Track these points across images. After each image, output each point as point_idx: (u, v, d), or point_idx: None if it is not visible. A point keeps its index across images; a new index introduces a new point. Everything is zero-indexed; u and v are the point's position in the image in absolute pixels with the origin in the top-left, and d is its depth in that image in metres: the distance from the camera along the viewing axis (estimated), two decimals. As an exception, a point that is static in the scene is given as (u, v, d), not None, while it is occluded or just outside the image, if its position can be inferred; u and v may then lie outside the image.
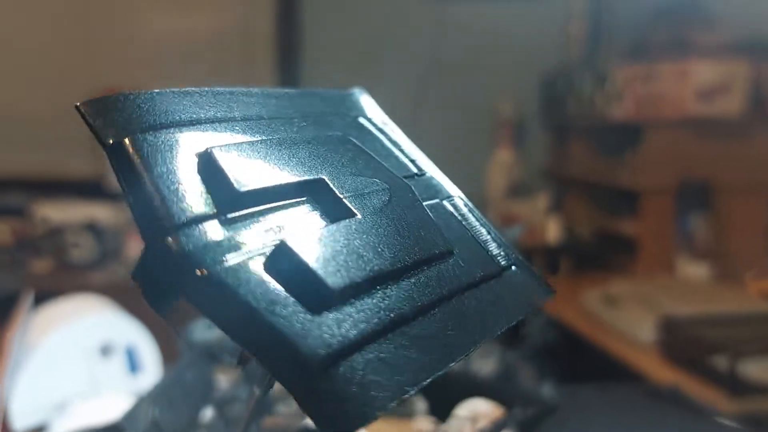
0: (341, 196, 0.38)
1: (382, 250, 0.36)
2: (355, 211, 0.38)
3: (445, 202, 0.44)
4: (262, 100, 0.44)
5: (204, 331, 0.74)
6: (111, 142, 0.34)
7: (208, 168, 0.35)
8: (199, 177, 0.34)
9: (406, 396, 0.31)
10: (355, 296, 0.33)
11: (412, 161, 0.47)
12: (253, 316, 0.30)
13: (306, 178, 0.38)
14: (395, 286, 0.35)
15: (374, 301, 0.33)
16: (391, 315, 0.33)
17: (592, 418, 0.71)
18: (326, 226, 0.36)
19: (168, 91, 0.39)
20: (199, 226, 0.32)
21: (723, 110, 1.88)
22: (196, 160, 0.36)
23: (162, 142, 0.35)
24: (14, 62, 2.26)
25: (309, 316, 0.31)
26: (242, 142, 0.39)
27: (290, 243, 0.33)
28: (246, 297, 0.30)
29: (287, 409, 0.79)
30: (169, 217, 0.31)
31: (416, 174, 0.46)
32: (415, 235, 0.39)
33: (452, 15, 2.42)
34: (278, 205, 0.36)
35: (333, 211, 0.38)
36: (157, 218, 0.31)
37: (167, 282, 0.31)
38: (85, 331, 0.88)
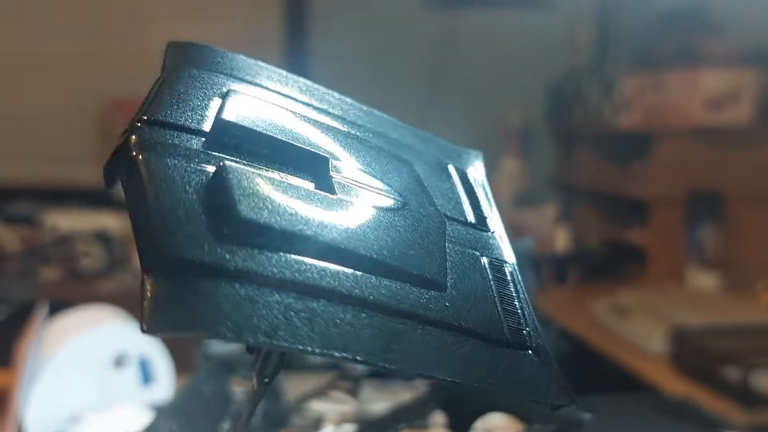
0: (332, 175, 0.37)
1: (333, 229, 0.34)
2: (336, 189, 0.36)
3: (484, 258, 0.41)
4: (343, 104, 0.43)
5: (221, 344, 0.74)
6: (166, 66, 0.38)
7: (222, 104, 0.37)
8: (212, 109, 0.37)
9: (252, 343, 0.29)
10: (267, 244, 0.32)
11: (478, 215, 0.43)
12: (153, 206, 0.31)
13: (311, 150, 0.37)
14: (326, 263, 0.33)
15: (286, 257, 0.32)
16: (298, 278, 0.32)
17: (602, 431, 0.71)
18: (290, 183, 0.35)
19: (252, 60, 0.42)
20: (170, 130, 0.35)
21: (732, 119, 1.87)
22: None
23: (205, 77, 0.38)
24: (25, 72, 2.27)
25: (203, 229, 0.31)
26: (273, 104, 0.39)
27: (230, 167, 0.33)
28: (158, 190, 0.31)
29: (301, 420, 0.79)
30: (150, 114, 0.35)
31: (471, 224, 0.42)
32: (403, 248, 0.36)
33: (459, 23, 2.42)
34: (264, 156, 0.36)
35: (316, 183, 0.36)
36: (143, 113, 0.35)
37: (118, 160, 0.34)
38: (99, 342, 0.89)
